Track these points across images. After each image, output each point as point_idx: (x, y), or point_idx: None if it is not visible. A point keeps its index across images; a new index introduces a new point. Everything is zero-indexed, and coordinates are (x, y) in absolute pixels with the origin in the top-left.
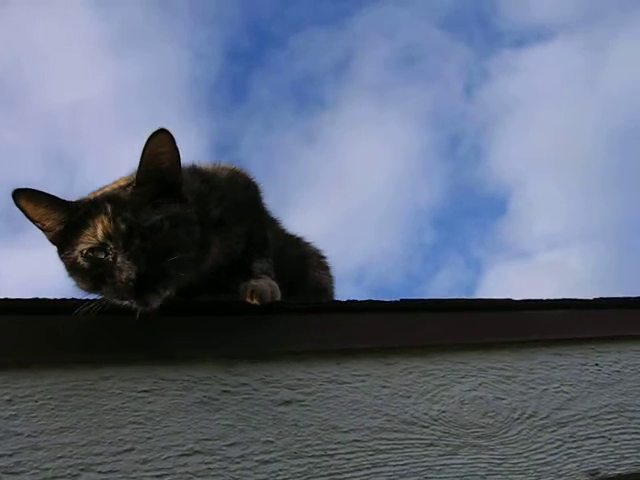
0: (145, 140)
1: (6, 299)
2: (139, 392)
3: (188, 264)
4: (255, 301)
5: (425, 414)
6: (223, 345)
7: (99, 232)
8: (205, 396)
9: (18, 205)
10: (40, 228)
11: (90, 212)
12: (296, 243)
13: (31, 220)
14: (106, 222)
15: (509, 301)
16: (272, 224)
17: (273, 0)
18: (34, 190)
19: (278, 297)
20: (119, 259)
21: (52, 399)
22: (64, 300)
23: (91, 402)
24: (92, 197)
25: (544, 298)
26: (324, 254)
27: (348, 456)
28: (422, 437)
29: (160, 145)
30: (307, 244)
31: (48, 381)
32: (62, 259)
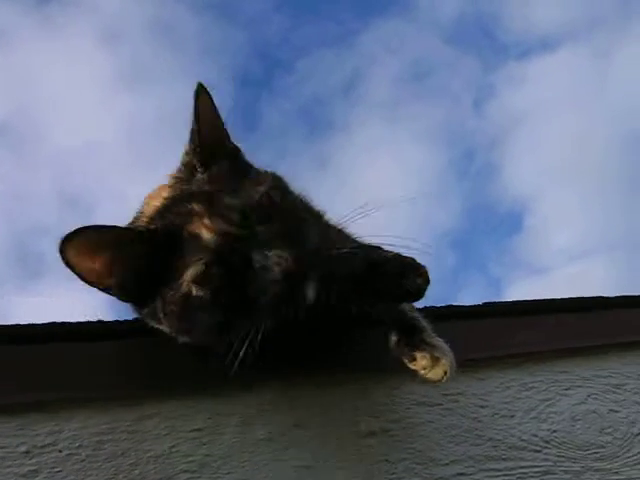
0: (193, 102)
1: (17, 325)
2: (189, 431)
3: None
4: (438, 376)
5: (534, 436)
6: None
7: (206, 236)
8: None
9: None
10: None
11: (173, 225)
12: None
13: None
14: (207, 221)
15: (602, 299)
16: None
17: (278, 25)
18: (88, 229)
19: None
20: (256, 256)
21: (81, 447)
22: (90, 323)
23: (130, 448)
24: (156, 209)
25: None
26: None
27: None
28: (536, 464)
29: (209, 104)
30: None
31: (75, 425)
32: (164, 310)
